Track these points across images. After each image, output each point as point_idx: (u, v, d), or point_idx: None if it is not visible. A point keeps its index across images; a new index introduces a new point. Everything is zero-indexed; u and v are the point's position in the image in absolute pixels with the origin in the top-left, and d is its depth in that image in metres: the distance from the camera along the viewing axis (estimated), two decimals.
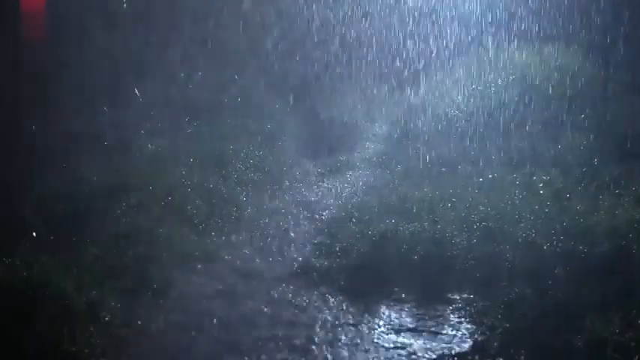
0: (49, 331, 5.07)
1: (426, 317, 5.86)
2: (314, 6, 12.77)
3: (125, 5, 10.26)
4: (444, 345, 5.45)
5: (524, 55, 11.62)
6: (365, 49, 13.11)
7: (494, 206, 7.12)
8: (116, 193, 7.26)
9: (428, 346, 5.44)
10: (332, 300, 6.13)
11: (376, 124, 11.50)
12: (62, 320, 5.17)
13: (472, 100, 10.42)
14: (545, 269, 6.05)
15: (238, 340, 5.46)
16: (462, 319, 5.80)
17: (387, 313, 5.94)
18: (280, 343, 5.43)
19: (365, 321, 5.80)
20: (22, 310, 5.15)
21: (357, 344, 5.45)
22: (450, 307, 5.98)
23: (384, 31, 13.23)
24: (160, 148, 8.72)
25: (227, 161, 8.84)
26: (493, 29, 12.68)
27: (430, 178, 8.36)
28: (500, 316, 5.62)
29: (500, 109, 9.98)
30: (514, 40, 12.25)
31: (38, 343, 5.00)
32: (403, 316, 5.89)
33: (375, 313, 5.93)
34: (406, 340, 5.52)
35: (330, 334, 5.58)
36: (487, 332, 5.53)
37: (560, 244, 6.32)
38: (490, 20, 12.77)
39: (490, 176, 8.04)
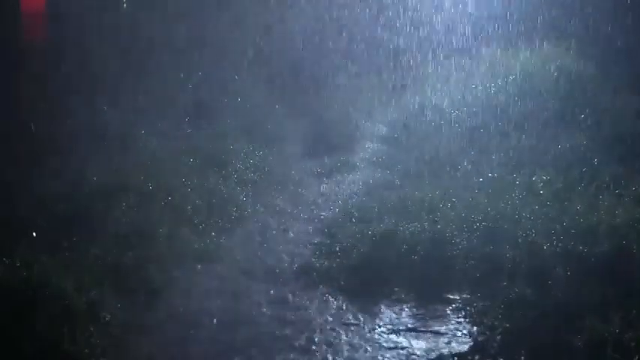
0: (49, 331, 5.07)
1: (426, 317, 5.86)
2: (315, 6, 12.78)
3: (125, 5, 10.26)
4: (444, 345, 5.45)
5: (524, 55, 11.63)
6: (366, 49, 13.12)
7: (494, 206, 7.11)
8: (116, 193, 7.26)
9: (428, 346, 5.44)
10: (332, 300, 6.14)
11: (376, 124, 11.49)
12: (62, 320, 5.18)
13: (472, 100, 10.42)
14: (545, 269, 6.05)
15: (238, 339, 5.47)
16: (462, 319, 5.80)
17: (386, 313, 5.94)
18: (279, 343, 5.43)
19: (365, 321, 5.80)
20: (22, 310, 5.16)
21: (356, 344, 5.46)
22: (450, 307, 5.98)
23: (385, 31, 13.24)
24: (160, 148, 8.72)
25: (227, 161, 8.84)
26: (493, 29, 12.70)
27: (430, 178, 8.36)
28: (500, 316, 5.63)
29: (501, 108, 9.99)
30: (514, 40, 12.27)
31: (38, 343, 5.00)
32: (403, 316, 5.89)
33: (374, 313, 5.92)
34: (406, 340, 5.52)
35: (330, 334, 5.58)
36: (487, 332, 5.53)
37: (560, 244, 6.32)
38: (490, 20, 12.79)
39: (490, 176, 8.04)
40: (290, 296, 6.20)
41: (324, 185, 9.08)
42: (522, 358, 5.21)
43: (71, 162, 7.82)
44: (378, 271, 6.45)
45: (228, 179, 8.46)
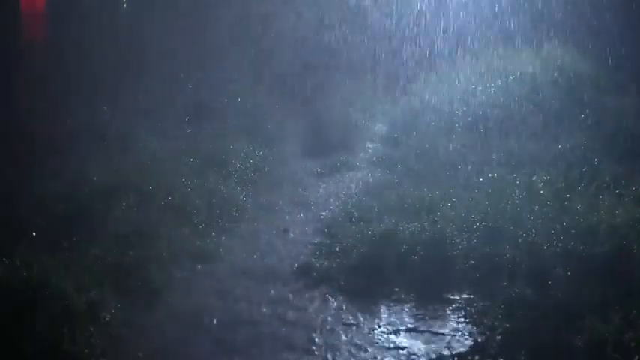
0: (49, 331, 5.07)
1: (426, 317, 5.86)
2: (315, 6, 12.78)
3: (125, 5, 10.26)
4: (444, 345, 5.45)
5: (524, 55, 11.63)
6: (366, 49, 13.12)
7: (494, 206, 7.11)
8: (116, 193, 7.26)
9: (428, 346, 5.44)
10: (332, 300, 6.14)
11: (376, 124, 11.50)
12: (62, 320, 5.17)
13: (472, 100, 10.41)
14: (545, 269, 6.05)
15: (238, 339, 5.47)
16: (462, 319, 5.80)
17: (386, 312, 5.94)
18: (279, 343, 5.43)
19: (365, 321, 5.80)
20: (22, 310, 5.16)
21: (356, 344, 5.45)
22: (450, 307, 5.98)
23: (385, 31, 13.24)
24: (160, 148, 8.72)
25: (227, 161, 8.84)
26: (493, 29, 12.69)
27: (430, 177, 8.35)
28: (500, 316, 5.63)
29: (501, 108, 9.98)
30: (515, 40, 12.26)
31: (38, 343, 5.00)
32: (403, 316, 5.89)
33: (374, 313, 5.92)
34: (406, 340, 5.52)
35: (330, 334, 5.58)
36: (487, 332, 5.53)
37: (560, 244, 6.32)
38: (490, 20, 12.79)
39: (490, 176, 8.03)
40: (290, 296, 6.20)
41: (324, 185, 9.07)
42: (522, 358, 5.21)
43: (71, 162, 7.82)
44: (378, 271, 6.45)
45: (228, 179, 8.47)
